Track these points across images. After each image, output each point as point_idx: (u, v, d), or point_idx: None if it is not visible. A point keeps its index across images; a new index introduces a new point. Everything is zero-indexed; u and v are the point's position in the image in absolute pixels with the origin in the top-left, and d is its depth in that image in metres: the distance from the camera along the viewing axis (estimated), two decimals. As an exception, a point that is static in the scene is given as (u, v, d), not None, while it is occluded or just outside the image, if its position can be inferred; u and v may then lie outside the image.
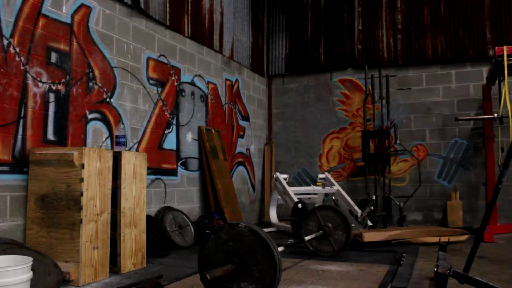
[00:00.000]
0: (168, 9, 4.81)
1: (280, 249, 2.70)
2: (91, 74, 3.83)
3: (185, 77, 5.17)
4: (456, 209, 5.89)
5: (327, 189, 5.68)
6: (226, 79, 6.11)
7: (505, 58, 4.45)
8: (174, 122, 4.93)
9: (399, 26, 6.51)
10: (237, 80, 6.41)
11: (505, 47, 4.51)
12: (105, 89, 3.97)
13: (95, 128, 3.85)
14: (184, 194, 5.02)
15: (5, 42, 3.08)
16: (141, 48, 4.45)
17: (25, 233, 3.10)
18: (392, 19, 6.57)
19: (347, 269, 3.33)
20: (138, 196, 3.46)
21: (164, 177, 4.70)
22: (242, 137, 6.49)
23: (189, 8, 5.21)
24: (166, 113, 4.79)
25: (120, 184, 3.29)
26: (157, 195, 4.59)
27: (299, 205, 4.90)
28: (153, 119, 4.57)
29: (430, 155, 6.30)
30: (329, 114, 6.88)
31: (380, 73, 6.34)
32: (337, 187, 5.68)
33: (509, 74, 4.66)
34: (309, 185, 6.43)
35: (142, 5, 4.37)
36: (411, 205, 6.20)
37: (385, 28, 6.60)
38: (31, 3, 3.29)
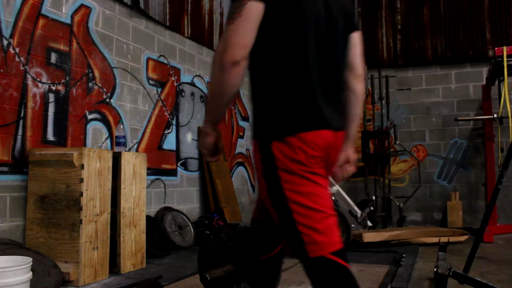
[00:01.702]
0: (168, 9, 4.80)
1: (280, 249, 2.70)
2: (91, 74, 3.83)
3: (185, 78, 5.17)
4: (456, 209, 5.89)
5: (327, 189, 5.68)
6: (226, 80, 6.10)
7: (505, 59, 4.46)
8: (174, 122, 4.93)
9: (399, 27, 6.52)
10: (237, 80, 6.41)
11: (504, 48, 4.52)
12: (105, 90, 3.97)
13: (95, 129, 3.85)
14: (184, 195, 5.02)
15: (5, 42, 3.08)
16: (141, 48, 4.45)
17: (25, 233, 3.10)
18: (392, 20, 6.57)
19: (347, 269, 3.33)
20: (138, 196, 3.46)
21: (164, 178, 4.70)
22: (241, 137, 6.49)
23: (189, 8, 5.20)
24: (166, 113, 4.79)
25: (120, 184, 3.29)
26: (157, 196, 4.59)
27: (299, 206, 4.89)
28: (152, 119, 4.57)
29: (430, 155, 6.30)
30: (328, 115, 6.88)
31: (380, 73, 6.34)
32: (336, 187, 5.67)
33: (508, 75, 4.66)
34: (308, 185, 6.42)
35: (142, 5, 4.37)
36: (411, 206, 6.21)
37: (384, 28, 6.60)
38: (31, 3, 3.29)
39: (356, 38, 1.63)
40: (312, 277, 1.38)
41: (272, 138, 1.38)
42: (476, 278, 2.35)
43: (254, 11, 1.31)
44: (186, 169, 5.09)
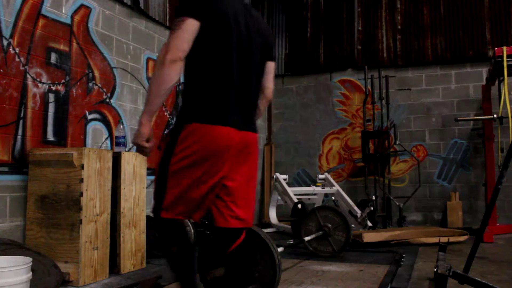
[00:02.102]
0: (167, 9, 4.81)
1: (280, 249, 2.70)
2: (90, 74, 3.83)
3: (185, 78, 5.16)
4: (456, 209, 5.89)
5: (327, 189, 5.68)
6: (226, 80, 6.11)
7: (505, 59, 4.46)
8: (174, 122, 4.93)
9: (399, 27, 6.52)
10: (236, 80, 6.41)
11: (504, 48, 4.52)
12: (104, 90, 3.97)
13: (95, 129, 3.85)
14: (184, 195, 5.02)
15: (5, 42, 3.08)
16: (140, 48, 4.45)
17: (25, 233, 3.10)
18: (392, 20, 6.57)
19: (346, 269, 3.33)
20: (138, 196, 3.46)
21: (163, 178, 4.70)
22: (241, 137, 6.49)
23: (189, 8, 5.20)
24: (165, 113, 4.79)
25: (120, 184, 3.29)
26: (157, 196, 4.58)
27: (299, 206, 4.90)
28: (152, 119, 4.57)
29: (430, 155, 6.30)
30: (328, 115, 6.88)
31: (380, 73, 6.34)
32: (336, 187, 5.68)
33: (508, 75, 4.66)
34: (308, 185, 6.43)
35: (141, 5, 4.37)
36: (410, 206, 6.21)
37: (384, 28, 6.60)
38: (31, 3, 3.29)
39: (271, 67, 2.04)
40: (160, 232, 1.86)
41: (185, 122, 1.76)
42: (476, 278, 2.35)
43: (191, 26, 1.70)
44: (186, 169, 5.09)
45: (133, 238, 3.37)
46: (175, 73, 1.68)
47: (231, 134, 1.75)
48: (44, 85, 3.38)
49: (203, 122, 1.73)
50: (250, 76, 1.87)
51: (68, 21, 3.62)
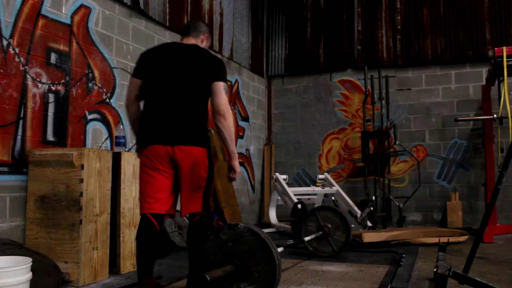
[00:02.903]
0: (167, 9, 4.81)
1: (280, 249, 2.70)
2: (90, 74, 3.83)
3: (185, 78, 5.16)
4: (456, 209, 5.89)
5: (327, 189, 5.68)
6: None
7: (505, 59, 4.46)
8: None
9: (399, 27, 6.52)
10: (236, 80, 6.42)
11: (504, 48, 4.52)
12: (104, 90, 3.97)
13: (95, 129, 3.85)
14: (184, 195, 5.01)
15: (5, 42, 3.08)
16: (140, 48, 4.44)
17: (25, 233, 3.10)
18: (392, 20, 6.57)
19: (346, 269, 3.33)
20: (138, 196, 3.45)
21: (163, 178, 4.69)
22: (241, 137, 6.49)
23: (189, 8, 5.21)
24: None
25: (119, 184, 3.28)
26: (157, 196, 4.58)
27: (299, 206, 4.90)
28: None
29: (430, 155, 6.30)
30: (328, 115, 6.88)
31: (380, 73, 6.34)
32: (336, 187, 5.68)
33: (508, 75, 4.66)
34: (308, 185, 6.43)
35: (141, 5, 4.37)
36: (410, 206, 6.21)
37: (384, 29, 6.60)
38: (31, 3, 3.29)
39: (215, 87, 2.49)
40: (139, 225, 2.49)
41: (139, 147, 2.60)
42: (476, 278, 2.35)
43: (133, 82, 2.59)
44: (186, 169, 5.08)
45: (133, 238, 3.37)
46: (130, 113, 2.63)
47: (156, 149, 2.44)
48: (44, 85, 3.38)
49: (139, 146, 2.59)
50: (180, 104, 2.46)
51: (68, 21, 3.62)
